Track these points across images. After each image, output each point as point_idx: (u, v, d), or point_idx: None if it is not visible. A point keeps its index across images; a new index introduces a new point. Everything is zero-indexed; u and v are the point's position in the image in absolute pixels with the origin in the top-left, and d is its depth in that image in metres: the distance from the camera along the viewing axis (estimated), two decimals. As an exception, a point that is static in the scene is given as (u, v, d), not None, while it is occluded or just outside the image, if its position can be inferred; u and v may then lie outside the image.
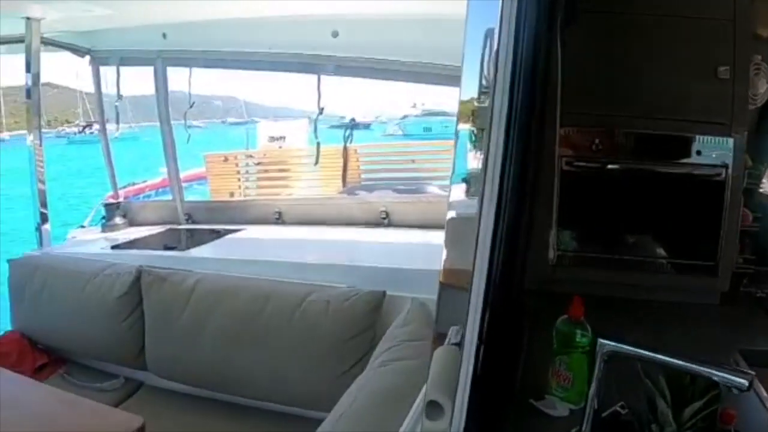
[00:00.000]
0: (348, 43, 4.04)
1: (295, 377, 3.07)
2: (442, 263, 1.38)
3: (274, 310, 3.16)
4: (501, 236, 1.20)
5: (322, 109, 4.56)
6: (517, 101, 1.18)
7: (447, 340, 1.37)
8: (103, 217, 5.39)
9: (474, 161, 1.37)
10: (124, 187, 5.99)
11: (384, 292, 3.01)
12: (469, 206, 1.32)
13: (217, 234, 4.56)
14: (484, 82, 1.32)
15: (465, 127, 1.39)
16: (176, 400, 3.56)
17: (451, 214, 1.43)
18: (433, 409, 1.32)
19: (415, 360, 2.25)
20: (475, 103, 1.35)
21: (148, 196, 11.62)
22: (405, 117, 40.27)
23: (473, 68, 1.33)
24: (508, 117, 1.17)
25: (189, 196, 5.29)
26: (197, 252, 4.08)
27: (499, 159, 1.17)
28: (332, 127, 9.35)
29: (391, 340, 2.50)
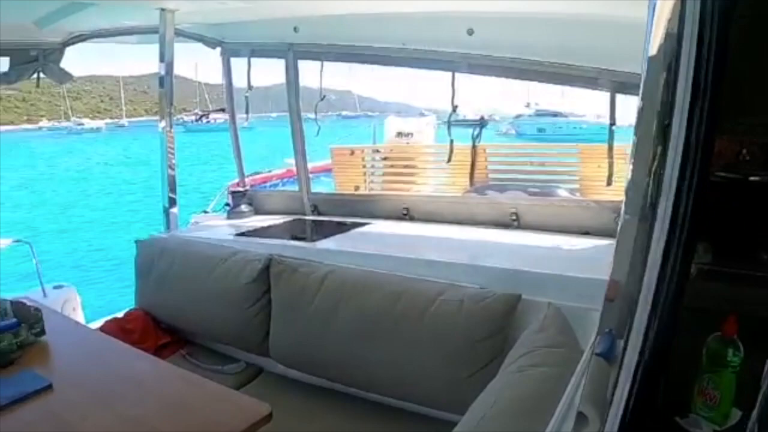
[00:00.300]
0: (483, 41, 3.99)
1: (422, 376, 3.02)
2: (610, 273, 1.34)
3: (406, 307, 3.12)
4: (672, 251, 1.15)
5: (456, 107, 4.49)
6: (700, 109, 1.14)
7: (591, 349, 1.34)
8: (227, 204, 5.50)
9: (637, 168, 1.33)
10: (249, 175, 6.06)
11: (519, 296, 2.92)
12: (638, 216, 1.28)
13: (344, 227, 4.59)
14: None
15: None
16: (297, 389, 3.60)
17: (622, 223, 1.39)
18: (580, 420, 1.29)
19: (555, 367, 2.19)
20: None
21: (275, 186, 11.71)
22: (518, 116, 39.81)
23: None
24: (687, 126, 1.13)
25: (315, 188, 5.32)
26: (325, 244, 4.10)
27: (676, 170, 1.13)
28: (453, 123, 9.28)
29: (528, 346, 2.44)
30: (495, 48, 4.05)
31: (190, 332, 4.31)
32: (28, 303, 3.25)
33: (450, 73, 4.49)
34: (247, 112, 5.61)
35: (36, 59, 4.78)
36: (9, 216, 24.51)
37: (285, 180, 13.10)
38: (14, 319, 3.09)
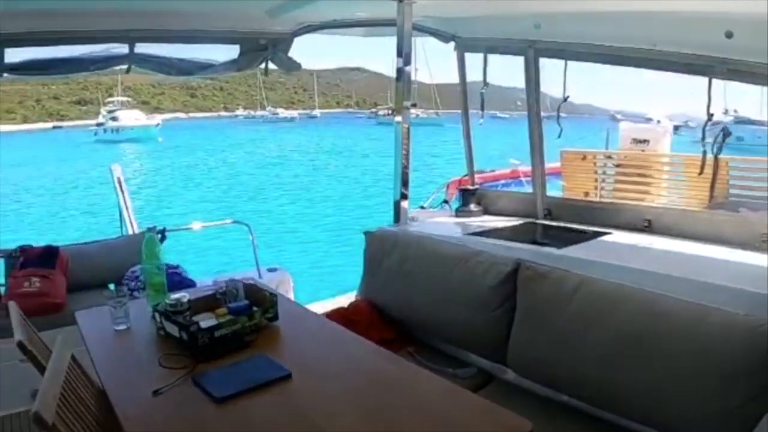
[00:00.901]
0: (743, 44, 3.64)
1: (682, 404, 2.72)
2: None
3: (667, 328, 2.82)
4: None
5: (712, 115, 4.16)
6: None
7: None
8: (445, 201, 5.40)
9: None
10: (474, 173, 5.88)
11: None
12: None
13: (584, 235, 4.34)
14: None
15: None
16: (532, 402, 3.31)
17: None
18: None
19: None
20: None
21: (507, 185, 11.46)
22: (716, 123, 37.68)
23: None
24: None
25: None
26: (572, 252, 3.85)
27: None
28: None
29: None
30: (756, 52, 3.68)
31: (418, 330, 4.14)
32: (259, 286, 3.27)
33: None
34: (482, 109, 5.45)
35: (265, 48, 4.88)
36: (208, 195, 25.82)
37: (509, 181, 12.79)
38: (246, 301, 3.10)
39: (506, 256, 3.65)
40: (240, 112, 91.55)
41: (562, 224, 4.80)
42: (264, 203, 24.44)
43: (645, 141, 8.55)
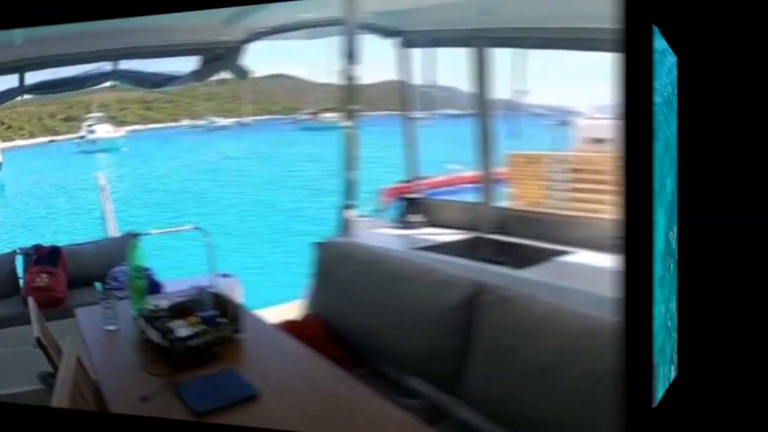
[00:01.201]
0: None
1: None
2: None
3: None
4: None
5: None
6: None
7: None
8: (377, 210, 5.19)
9: None
10: (407, 181, 5.55)
11: None
12: None
13: (540, 253, 3.92)
14: None
15: None
16: None
17: None
18: None
19: None
20: None
21: (449, 194, 11.05)
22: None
23: None
24: None
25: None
26: (531, 273, 3.48)
27: None
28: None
29: None
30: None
31: (368, 351, 3.68)
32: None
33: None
34: (426, 110, 5.07)
35: (220, 57, 5.14)
36: (162, 200, 25.78)
37: (450, 189, 12.36)
38: (216, 311, 3.14)
39: (465, 276, 3.19)
40: (185, 122, 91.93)
41: (516, 240, 4.35)
42: (205, 207, 24.27)
43: (604, 140, 7.84)
